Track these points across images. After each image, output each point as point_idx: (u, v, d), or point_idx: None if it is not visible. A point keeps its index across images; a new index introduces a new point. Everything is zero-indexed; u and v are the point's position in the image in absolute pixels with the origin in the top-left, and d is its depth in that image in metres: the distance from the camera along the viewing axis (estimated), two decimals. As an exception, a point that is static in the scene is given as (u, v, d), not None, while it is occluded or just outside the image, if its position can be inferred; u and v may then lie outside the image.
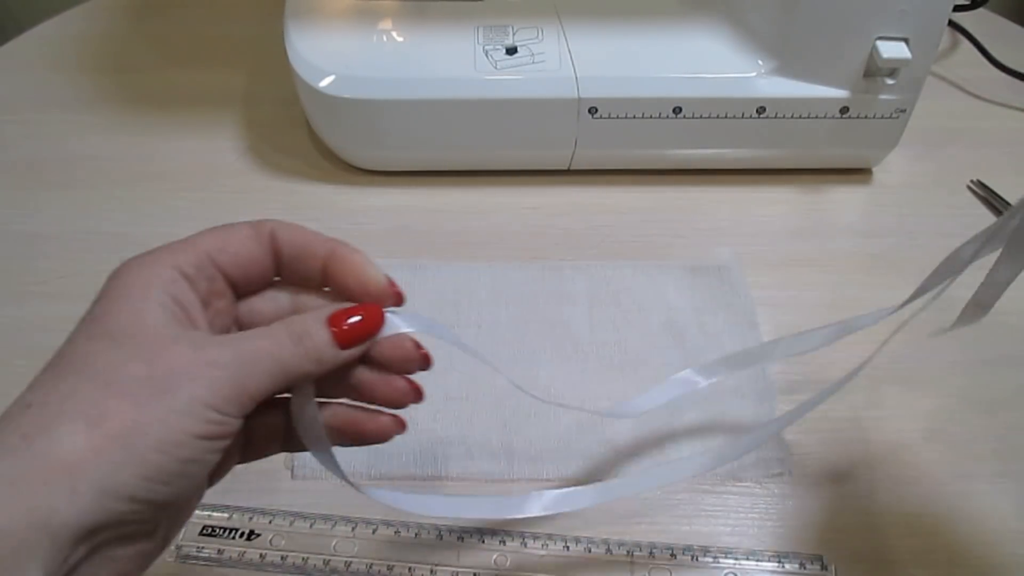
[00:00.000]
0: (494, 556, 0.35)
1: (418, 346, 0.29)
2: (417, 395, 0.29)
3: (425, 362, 0.29)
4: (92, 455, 0.21)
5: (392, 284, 0.28)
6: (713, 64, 0.48)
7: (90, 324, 0.24)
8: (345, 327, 0.26)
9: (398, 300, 0.28)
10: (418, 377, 0.28)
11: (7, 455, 0.21)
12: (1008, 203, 0.50)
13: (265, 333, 0.25)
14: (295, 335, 0.25)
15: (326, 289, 0.28)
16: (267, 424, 0.28)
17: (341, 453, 0.38)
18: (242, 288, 0.28)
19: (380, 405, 0.29)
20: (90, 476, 0.21)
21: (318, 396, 0.28)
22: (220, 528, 0.35)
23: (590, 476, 0.38)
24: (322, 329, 0.26)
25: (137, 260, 0.26)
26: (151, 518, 0.23)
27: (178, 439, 0.22)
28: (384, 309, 0.27)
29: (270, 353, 0.25)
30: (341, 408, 0.28)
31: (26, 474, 0.21)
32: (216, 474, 0.26)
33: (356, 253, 0.28)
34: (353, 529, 0.36)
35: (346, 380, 0.28)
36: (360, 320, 0.26)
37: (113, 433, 0.22)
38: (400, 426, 0.29)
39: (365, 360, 0.28)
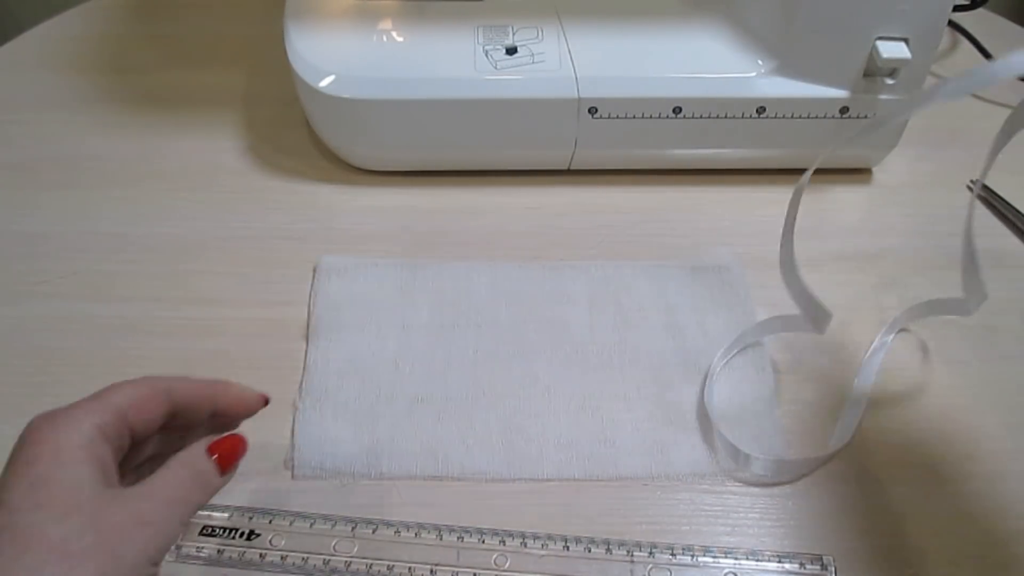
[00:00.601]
0: (494, 556, 0.35)
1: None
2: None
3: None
4: None
5: (262, 395, 0.33)
6: (713, 64, 0.48)
7: (29, 492, 0.25)
8: (222, 456, 0.29)
9: (266, 402, 0.33)
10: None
11: None
12: (1008, 203, 0.50)
13: (171, 479, 0.28)
14: (192, 473, 0.28)
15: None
16: None
17: (342, 452, 0.38)
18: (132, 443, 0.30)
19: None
20: None
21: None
22: (220, 528, 0.35)
23: (592, 476, 0.38)
24: (208, 462, 0.29)
25: (55, 420, 0.27)
26: None
27: None
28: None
29: (182, 499, 0.28)
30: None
31: None
32: None
33: (233, 386, 0.32)
34: (353, 529, 0.36)
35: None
36: (233, 448, 0.30)
37: None
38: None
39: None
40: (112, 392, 0.29)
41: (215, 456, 0.29)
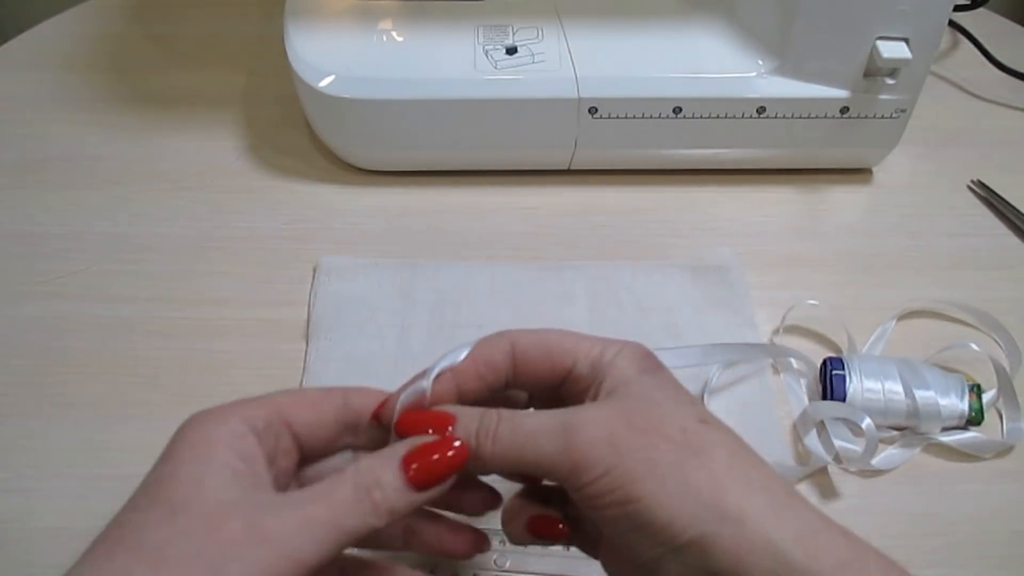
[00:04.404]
0: (494, 556, 0.35)
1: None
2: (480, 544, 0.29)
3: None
4: None
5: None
6: (713, 64, 0.48)
7: (152, 488, 0.24)
8: (421, 466, 0.24)
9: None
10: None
11: None
12: (1008, 203, 0.50)
13: (324, 494, 0.24)
14: (361, 488, 0.24)
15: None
16: None
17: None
18: (308, 451, 0.27)
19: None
20: None
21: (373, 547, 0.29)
22: (220, 528, 0.35)
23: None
24: (394, 474, 0.24)
25: (206, 415, 0.25)
26: None
27: None
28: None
29: (327, 521, 0.23)
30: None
31: None
32: None
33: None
34: (353, 529, 0.35)
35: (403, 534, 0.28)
36: (439, 456, 0.25)
37: None
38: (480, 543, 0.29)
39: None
40: (277, 392, 0.27)
41: (412, 466, 0.24)
